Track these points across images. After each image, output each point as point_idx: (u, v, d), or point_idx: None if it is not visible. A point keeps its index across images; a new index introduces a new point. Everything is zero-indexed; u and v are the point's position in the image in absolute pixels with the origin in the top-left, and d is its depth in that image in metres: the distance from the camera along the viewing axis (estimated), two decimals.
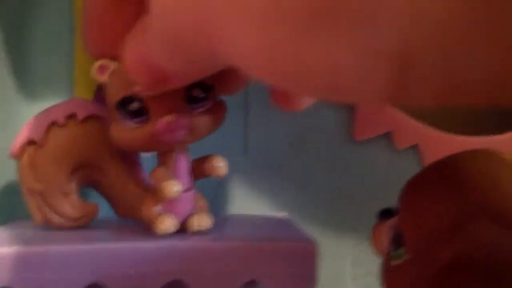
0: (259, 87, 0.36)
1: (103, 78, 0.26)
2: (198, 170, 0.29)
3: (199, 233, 0.29)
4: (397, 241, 0.22)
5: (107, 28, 0.23)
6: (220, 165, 0.29)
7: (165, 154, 0.29)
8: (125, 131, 0.26)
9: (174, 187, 0.28)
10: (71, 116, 0.30)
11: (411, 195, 0.23)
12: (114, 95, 0.26)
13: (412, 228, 0.21)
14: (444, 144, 0.37)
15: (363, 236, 0.38)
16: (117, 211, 0.31)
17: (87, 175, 0.31)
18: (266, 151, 0.37)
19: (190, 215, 0.29)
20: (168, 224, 0.28)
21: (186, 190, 0.29)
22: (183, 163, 0.29)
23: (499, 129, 0.38)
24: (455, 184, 0.22)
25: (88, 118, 0.30)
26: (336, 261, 0.39)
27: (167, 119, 0.25)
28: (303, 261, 0.29)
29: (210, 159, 0.29)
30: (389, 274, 0.22)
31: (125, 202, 0.31)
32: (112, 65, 0.26)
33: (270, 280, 0.29)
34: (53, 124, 0.30)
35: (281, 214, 0.37)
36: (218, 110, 0.28)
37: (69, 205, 0.30)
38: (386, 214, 0.24)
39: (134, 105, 0.25)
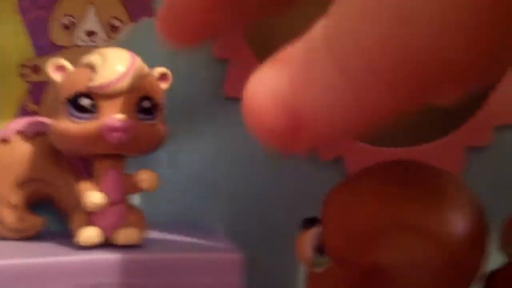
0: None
1: (58, 77, 0.28)
2: (129, 184, 0.30)
3: (127, 246, 0.29)
4: (320, 248, 0.22)
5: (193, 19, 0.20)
6: (148, 177, 0.30)
7: (98, 165, 0.30)
8: (70, 125, 0.28)
9: (94, 199, 0.28)
10: (20, 133, 0.31)
11: (333, 203, 0.23)
12: (67, 90, 0.28)
13: (334, 235, 0.22)
14: (368, 154, 0.37)
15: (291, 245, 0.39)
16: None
17: (37, 189, 0.32)
18: (195, 165, 0.37)
19: (118, 228, 0.30)
20: (88, 235, 0.29)
21: (114, 204, 0.29)
22: (113, 176, 0.30)
23: (423, 140, 0.38)
24: (378, 193, 0.22)
25: (37, 135, 0.31)
26: (267, 272, 0.39)
27: (117, 117, 0.26)
28: (229, 271, 0.29)
29: (140, 173, 0.30)
30: (312, 281, 0.23)
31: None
32: (69, 66, 0.27)
33: None
34: (2, 141, 0.31)
35: (208, 225, 0.38)
36: (160, 131, 0.29)
37: (14, 217, 0.31)
38: (309, 222, 0.24)
39: (86, 102, 0.27)
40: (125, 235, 0.30)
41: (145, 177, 0.30)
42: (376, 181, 0.22)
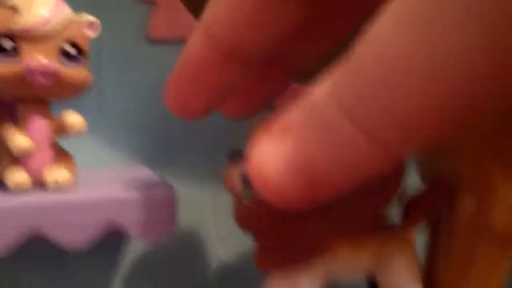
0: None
1: None
2: (56, 127, 0.30)
3: (59, 188, 0.30)
4: (248, 180, 0.21)
5: (203, 86, 0.21)
6: (75, 121, 0.29)
7: (22, 109, 0.30)
8: None
9: (21, 143, 0.28)
10: None
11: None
12: None
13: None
14: None
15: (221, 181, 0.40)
16: None
17: None
18: (121, 109, 0.38)
19: (47, 171, 0.30)
20: (17, 179, 0.29)
21: (41, 147, 0.29)
22: (38, 120, 0.30)
23: None
24: None
25: None
26: (197, 207, 0.40)
27: (39, 59, 0.26)
28: (162, 207, 0.30)
29: (66, 116, 0.29)
30: (241, 214, 0.23)
31: None
32: None
33: (131, 228, 0.30)
34: None
35: (138, 164, 0.38)
36: (84, 76, 0.29)
37: None
38: (235, 155, 0.24)
39: (7, 44, 0.27)
40: (55, 177, 0.30)
41: (72, 120, 0.30)
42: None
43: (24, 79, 0.27)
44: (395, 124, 0.14)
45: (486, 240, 0.19)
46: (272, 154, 0.16)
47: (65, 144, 0.32)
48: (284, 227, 0.20)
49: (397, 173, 0.21)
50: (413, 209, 0.22)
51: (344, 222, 0.20)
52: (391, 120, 0.14)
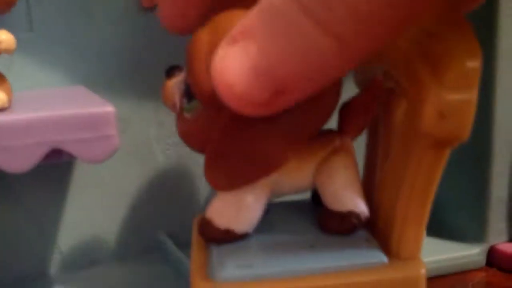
0: None
1: None
2: None
3: None
4: (189, 93, 0.21)
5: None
6: (5, 39, 0.28)
7: None
8: None
9: None
10: None
11: (196, 46, 0.21)
12: None
13: (201, 78, 0.20)
14: None
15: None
16: None
17: None
18: (52, 25, 0.36)
19: None
20: None
21: None
22: None
23: None
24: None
25: None
26: (141, 125, 0.40)
27: None
28: (102, 126, 0.30)
29: None
30: (184, 127, 0.22)
31: None
32: None
33: (73, 147, 0.29)
34: None
35: (76, 85, 0.38)
36: None
37: None
38: (173, 70, 0.23)
39: None
40: None
41: (1, 39, 0.29)
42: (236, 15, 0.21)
43: None
44: (353, 19, 0.14)
45: (418, 144, 0.19)
46: (235, 59, 0.16)
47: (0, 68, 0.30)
48: (229, 141, 0.20)
49: (335, 89, 0.21)
50: (350, 113, 0.22)
51: (288, 136, 0.20)
52: (350, 16, 0.14)
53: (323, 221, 0.22)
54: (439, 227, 0.41)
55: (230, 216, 0.22)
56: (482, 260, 0.39)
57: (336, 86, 0.20)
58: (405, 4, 0.14)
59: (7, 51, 0.29)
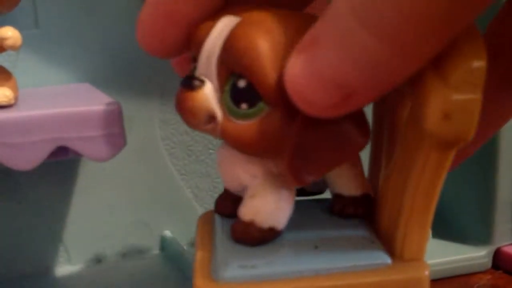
0: None
1: None
2: None
3: (1, 107, 0.29)
4: (251, 96, 0.20)
5: (178, 18, 0.21)
6: (11, 35, 0.28)
7: None
8: None
9: None
10: None
11: (254, 39, 0.19)
12: None
13: (268, 75, 0.19)
14: None
15: (168, 97, 0.40)
16: None
17: None
18: (58, 22, 0.36)
19: None
20: None
21: None
22: None
23: None
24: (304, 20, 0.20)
25: None
26: (145, 122, 0.40)
27: None
28: (108, 123, 0.30)
29: (2, 31, 0.29)
30: (247, 133, 0.20)
31: None
32: None
33: (78, 145, 0.29)
34: None
35: (82, 83, 0.38)
36: None
37: None
38: (195, 81, 0.21)
39: None
40: None
41: (8, 35, 0.29)
42: (271, 11, 0.20)
43: None
44: (401, 20, 0.15)
45: (423, 144, 0.19)
46: (303, 67, 0.17)
47: (6, 65, 0.31)
48: (311, 133, 0.19)
49: None
50: None
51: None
52: (397, 17, 0.15)
53: (338, 209, 0.23)
54: (445, 229, 0.40)
55: (272, 214, 0.21)
56: (487, 262, 0.38)
57: None
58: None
59: (13, 48, 0.29)
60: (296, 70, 0.17)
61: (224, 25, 0.20)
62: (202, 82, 0.21)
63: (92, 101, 0.31)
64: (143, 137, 0.39)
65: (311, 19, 0.19)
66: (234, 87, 0.20)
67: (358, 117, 0.20)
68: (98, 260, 0.40)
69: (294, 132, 0.19)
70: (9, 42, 0.29)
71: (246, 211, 0.22)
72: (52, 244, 0.39)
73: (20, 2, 0.30)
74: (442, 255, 0.39)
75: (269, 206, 0.21)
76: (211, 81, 0.21)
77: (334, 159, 0.20)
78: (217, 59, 0.20)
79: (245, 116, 0.20)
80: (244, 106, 0.20)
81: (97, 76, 0.38)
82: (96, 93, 0.33)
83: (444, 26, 0.15)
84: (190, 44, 0.21)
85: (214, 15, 0.20)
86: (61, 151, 0.30)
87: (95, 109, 0.29)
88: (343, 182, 0.23)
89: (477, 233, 0.39)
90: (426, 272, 0.20)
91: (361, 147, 0.20)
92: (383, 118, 0.23)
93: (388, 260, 0.20)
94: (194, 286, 0.21)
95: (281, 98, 0.19)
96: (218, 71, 0.21)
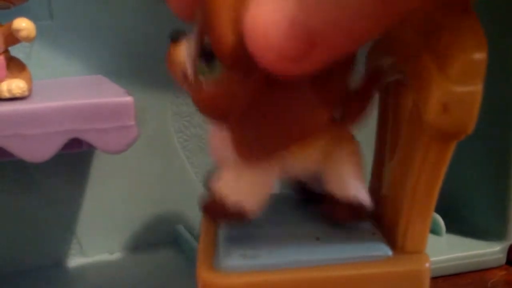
0: None
1: None
2: (6, 34, 0.29)
3: (15, 98, 0.29)
4: (208, 54, 0.19)
5: None
6: (25, 27, 0.29)
7: None
8: None
9: None
10: None
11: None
12: None
13: (227, 33, 0.18)
14: None
15: (181, 90, 0.40)
16: None
17: None
18: (72, 13, 0.37)
19: (1, 81, 0.29)
20: None
21: None
22: None
23: None
24: None
25: None
26: (158, 115, 0.40)
27: None
28: (121, 115, 0.30)
29: (16, 22, 0.29)
30: (203, 94, 0.19)
31: None
32: None
33: (91, 136, 0.30)
34: None
35: (96, 75, 0.38)
36: None
37: None
38: (179, 34, 0.21)
39: None
40: (10, 87, 0.29)
41: (22, 26, 0.29)
42: None
43: None
44: None
45: (424, 136, 0.19)
46: (271, 8, 0.15)
47: (20, 56, 0.31)
48: (261, 106, 0.19)
49: (347, 67, 0.20)
50: (347, 101, 0.22)
51: (324, 97, 0.19)
52: None
53: (328, 209, 0.22)
54: (459, 225, 0.40)
55: (241, 192, 0.21)
56: (502, 258, 0.38)
57: (346, 71, 0.20)
58: None
59: (27, 39, 0.29)
60: (260, 10, 0.15)
61: None
62: (184, 35, 0.21)
63: (106, 93, 0.31)
64: (156, 130, 0.39)
65: None
66: (201, 43, 0.19)
67: (318, 92, 0.18)
68: (110, 252, 0.40)
69: (245, 97, 0.18)
70: (23, 34, 0.29)
71: (217, 185, 0.21)
72: (65, 236, 0.39)
73: None
74: (457, 250, 0.38)
75: (238, 184, 0.21)
76: (194, 37, 0.20)
77: (284, 136, 0.19)
78: (198, 17, 0.20)
79: (204, 73, 0.19)
80: (203, 62, 0.19)
81: (111, 68, 0.38)
82: (109, 85, 0.34)
83: None
84: None
85: None
86: (75, 143, 0.30)
87: (109, 101, 0.29)
88: (336, 182, 0.22)
89: (491, 229, 0.39)
90: (427, 264, 0.20)
91: (317, 127, 0.19)
92: (387, 111, 0.23)
93: (389, 252, 0.20)
94: (197, 276, 0.21)
95: (236, 58, 0.17)
96: (198, 29, 0.20)
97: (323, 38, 0.15)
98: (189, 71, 0.20)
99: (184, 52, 0.21)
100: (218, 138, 0.22)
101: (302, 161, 0.21)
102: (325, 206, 0.22)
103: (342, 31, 0.15)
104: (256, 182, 0.21)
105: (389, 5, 0.14)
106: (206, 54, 0.19)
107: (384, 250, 0.20)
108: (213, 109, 0.20)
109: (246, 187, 0.21)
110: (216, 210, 0.21)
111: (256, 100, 0.18)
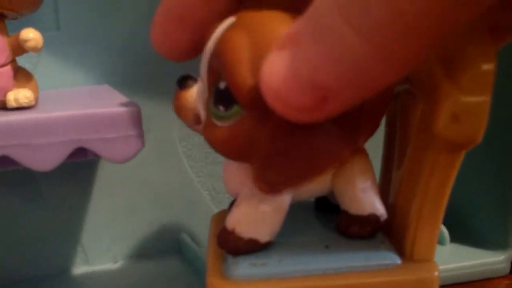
0: None
1: None
2: (14, 45, 0.29)
3: (22, 108, 0.29)
4: (227, 99, 0.20)
5: (190, 21, 0.21)
6: (33, 37, 0.29)
7: None
8: None
9: None
10: None
11: (231, 44, 0.20)
12: None
13: (245, 79, 0.19)
14: None
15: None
16: None
17: None
18: (79, 24, 0.37)
19: (9, 91, 0.29)
20: None
21: (0, 66, 0.29)
22: None
23: None
24: (276, 22, 0.20)
25: None
26: (162, 124, 0.40)
27: None
28: (128, 125, 0.30)
29: (23, 33, 0.29)
30: (222, 136, 0.20)
31: None
32: None
33: (97, 146, 0.30)
34: None
35: (102, 84, 0.38)
36: None
37: None
38: (187, 80, 0.22)
39: None
40: (16, 97, 0.29)
41: (29, 37, 0.29)
42: (273, 12, 0.20)
43: None
44: (390, 25, 0.14)
45: (432, 146, 0.19)
46: (282, 65, 0.16)
47: (27, 66, 0.31)
48: (281, 142, 0.19)
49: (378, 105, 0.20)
50: (360, 116, 0.22)
51: (345, 131, 0.19)
52: (387, 22, 0.14)
53: (343, 225, 0.22)
54: (463, 234, 0.40)
55: (254, 226, 0.21)
56: (506, 267, 0.38)
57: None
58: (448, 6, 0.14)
59: (34, 50, 0.30)
60: (273, 67, 0.16)
61: (222, 27, 0.20)
62: (192, 81, 0.22)
63: (111, 103, 0.31)
64: (161, 139, 0.39)
65: None
66: (216, 88, 0.20)
67: (340, 125, 0.19)
68: (115, 261, 0.40)
69: (267, 137, 0.19)
70: (30, 44, 0.29)
71: (230, 219, 0.22)
72: (70, 245, 0.39)
73: (42, 4, 0.31)
74: (460, 259, 0.38)
75: (250, 217, 0.21)
76: (204, 82, 0.21)
77: (307, 170, 0.20)
78: (207, 61, 0.21)
79: (222, 118, 0.20)
80: (221, 107, 0.20)
81: (116, 78, 0.38)
82: (115, 94, 0.34)
83: (438, 29, 0.14)
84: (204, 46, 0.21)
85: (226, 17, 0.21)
86: (80, 152, 0.30)
87: (114, 111, 0.30)
88: (350, 199, 0.22)
89: (495, 238, 0.39)
90: (436, 273, 0.20)
91: (340, 160, 0.20)
92: (395, 120, 0.23)
93: (397, 260, 0.21)
94: (207, 284, 0.21)
95: (255, 102, 0.18)
96: (208, 73, 0.21)
97: (335, 93, 0.16)
98: (202, 114, 0.21)
99: (193, 97, 0.22)
100: (231, 171, 0.22)
101: (315, 185, 0.22)
102: (339, 221, 0.22)
103: (354, 86, 0.15)
104: (270, 212, 0.21)
105: (392, 61, 0.15)
106: (223, 99, 0.20)
107: (393, 258, 0.20)
108: (232, 151, 0.20)
109: (260, 219, 0.21)
110: (228, 244, 0.22)
111: (277, 137, 0.19)
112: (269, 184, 0.20)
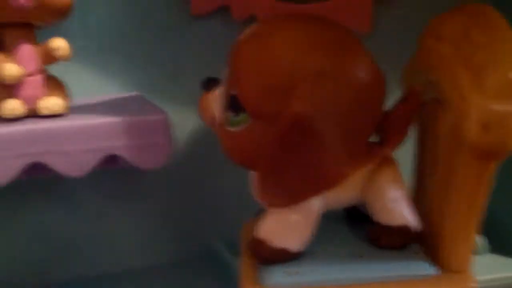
0: None
1: None
2: (43, 54, 0.30)
3: (54, 116, 0.30)
4: (236, 106, 0.21)
5: None
6: (61, 46, 0.29)
7: (8, 36, 0.29)
8: None
9: (10, 71, 0.28)
10: None
11: (244, 56, 0.21)
12: None
13: (251, 89, 0.20)
14: (280, 10, 0.37)
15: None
16: None
17: None
18: (107, 33, 0.37)
19: (40, 99, 0.29)
20: (11, 108, 0.29)
21: (31, 74, 0.29)
22: (25, 46, 0.29)
23: None
24: (288, 42, 0.21)
25: None
26: (192, 132, 0.40)
27: None
28: (157, 132, 0.30)
29: (51, 42, 0.29)
30: (231, 142, 0.22)
31: None
32: None
33: (128, 153, 0.30)
34: None
35: (131, 92, 0.38)
36: None
37: None
38: (211, 83, 0.23)
39: None
40: (48, 104, 0.30)
41: (58, 46, 0.30)
42: (285, 31, 0.21)
43: (5, 1, 0.27)
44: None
45: (463, 153, 0.19)
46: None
47: (58, 74, 0.31)
48: (285, 156, 0.20)
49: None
50: (389, 126, 0.22)
51: (347, 146, 0.20)
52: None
53: (374, 236, 0.22)
54: (503, 245, 0.39)
55: (284, 235, 0.21)
56: None
57: (381, 94, 0.20)
58: None
59: (63, 58, 0.30)
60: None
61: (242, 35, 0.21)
62: (216, 84, 0.23)
63: (141, 111, 0.31)
64: (190, 145, 0.39)
65: (325, 29, 0.19)
66: (229, 94, 0.21)
67: (346, 141, 0.20)
68: (147, 267, 0.41)
69: (270, 147, 0.20)
70: (59, 53, 0.30)
71: (260, 229, 0.22)
72: (102, 250, 0.39)
73: (72, 14, 0.31)
74: (500, 270, 0.37)
75: (281, 227, 0.22)
76: (224, 86, 0.22)
77: (307, 187, 0.20)
78: (228, 67, 0.22)
79: (232, 124, 0.21)
80: (231, 113, 0.21)
81: (146, 86, 0.38)
82: (144, 102, 0.34)
83: None
84: None
85: None
86: (111, 159, 0.30)
87: (144, 119, 0.30)
88: (380, 209, 0.22)
89: None
90: (472, 284, 0.19)
91: (337, 183, 0.20)
92: (425, 128, 0.23)
93: (432, 271, 0.20)
94: None
95: (261, 111, 0.20)
96: (228, 79, 0.22)
97: None
98: (218, 119, 0.22)
99: (214, 100, 0.23)
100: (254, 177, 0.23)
101: (344, 193, 0.22)
102: (371, 232, 0.22)
103: None
104: (300, 221, 0.21)
105: None
106: (233, 105, 0.21)
107: (428, 269, 0.20)
108: (238, 156, 0.22)
109: (290, 228, 0.22)
110: (260, 254, 0.22)
111: (280, 148, 0.20)
112: (270, 196, 0.21)
